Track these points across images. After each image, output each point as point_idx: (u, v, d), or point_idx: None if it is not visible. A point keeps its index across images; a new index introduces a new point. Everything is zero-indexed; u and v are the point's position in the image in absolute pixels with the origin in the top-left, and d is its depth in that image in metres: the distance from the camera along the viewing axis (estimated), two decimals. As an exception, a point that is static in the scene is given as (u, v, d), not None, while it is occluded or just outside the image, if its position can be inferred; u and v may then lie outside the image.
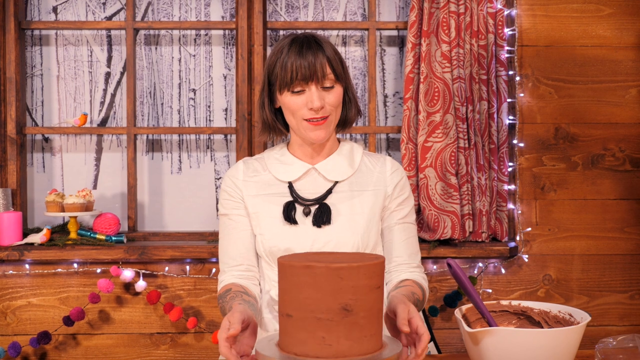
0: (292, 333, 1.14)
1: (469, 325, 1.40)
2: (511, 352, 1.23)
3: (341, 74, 1.60)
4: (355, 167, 1.67)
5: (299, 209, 1.62)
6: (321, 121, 1.57)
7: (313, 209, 1.61)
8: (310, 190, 1.64)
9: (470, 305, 1.42)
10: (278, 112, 1.66)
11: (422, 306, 1.59)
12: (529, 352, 1.23)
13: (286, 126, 1.68)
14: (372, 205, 1.64)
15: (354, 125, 1.88)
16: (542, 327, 1.42)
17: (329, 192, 1.63)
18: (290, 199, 1.63)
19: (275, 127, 1.66)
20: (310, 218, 1.61)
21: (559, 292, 2.64)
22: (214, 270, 2.56)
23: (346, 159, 1.68)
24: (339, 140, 1.73)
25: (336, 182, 1.65)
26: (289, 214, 1.60)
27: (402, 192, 1.68)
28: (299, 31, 2.74)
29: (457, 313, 1.36)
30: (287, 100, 1.57)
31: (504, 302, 1.46)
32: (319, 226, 1.59)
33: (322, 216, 1.60)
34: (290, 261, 1.14)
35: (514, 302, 1.45)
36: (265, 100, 1.64)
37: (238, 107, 2.64)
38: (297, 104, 1.56)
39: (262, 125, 1.68)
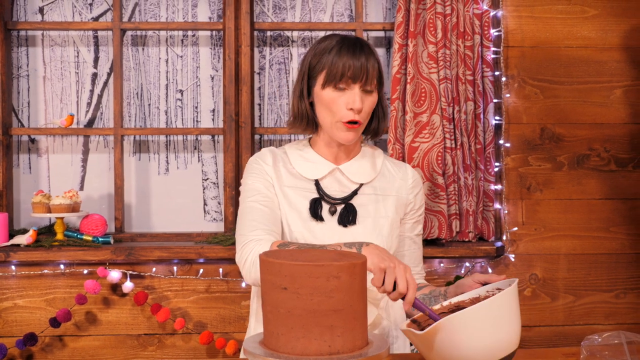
0: (273, 330, 1.14)
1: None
2: (462, 340, 1.23)
3: (381, 83, 1.65)
4: (377, 171, 1.71)
5: (325, 207, 1.64)
6: (356, 125, 1.60)
7: (339, 208, 1.64)
8: (335, 189, 1.66)
9: (408, 321, 1.41)
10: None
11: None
12: (477, 332, 1.23)
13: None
14: (395, 210, 1.69)
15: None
16: None
17: (355, 193, 1.66)
18: (316, 195, 1.65)
19: (313, 120, 1.68)
20: (335, 217, 1.63)
21: (545, 292, 2.66)
22: (201, 270, 2.55)
23: (369, 162, 1.71)
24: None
25: (361, 185, 1.68)
26: (315, 211, 1.62)
27: (422, 204, 1.76)
28: (289, 32, 2.75)
29: (403, 326, 1.34)
30: (329, 96, 1.60)
31: (436, 307, 1.45)
32: (344, 225, 1.62)
33: (348, 216, 1.63)
34: (271, 257, 1.14)
35: (445, 303, 1.46)
36: (304, 92, 1.66)
37: (225, 108, 2.64)
38: (337, 103, 1.59)
39: (295, 117, 1.69)
